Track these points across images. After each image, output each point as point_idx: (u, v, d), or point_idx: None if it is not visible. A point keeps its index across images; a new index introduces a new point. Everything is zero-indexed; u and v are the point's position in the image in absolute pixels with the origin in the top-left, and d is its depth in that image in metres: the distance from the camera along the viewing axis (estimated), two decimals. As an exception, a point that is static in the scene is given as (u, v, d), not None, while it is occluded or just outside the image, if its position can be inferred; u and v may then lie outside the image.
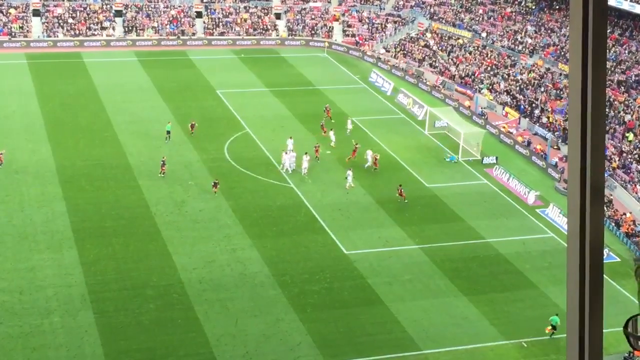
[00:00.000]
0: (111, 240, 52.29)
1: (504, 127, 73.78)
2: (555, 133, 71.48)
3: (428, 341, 44.24)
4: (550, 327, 44.80)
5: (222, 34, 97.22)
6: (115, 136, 67.93)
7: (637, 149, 66.02)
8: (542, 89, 79.36)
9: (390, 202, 58.76)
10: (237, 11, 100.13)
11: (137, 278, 48.39)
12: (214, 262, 50.51)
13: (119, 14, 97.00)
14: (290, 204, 58.32)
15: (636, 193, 61.08)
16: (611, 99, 72.51)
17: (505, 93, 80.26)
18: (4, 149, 62.31)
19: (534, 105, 76.66)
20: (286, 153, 63.48)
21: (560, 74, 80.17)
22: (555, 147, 69.52)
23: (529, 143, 70.97)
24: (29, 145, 65.36)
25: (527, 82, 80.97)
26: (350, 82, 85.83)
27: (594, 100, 3.58)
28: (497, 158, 67.67)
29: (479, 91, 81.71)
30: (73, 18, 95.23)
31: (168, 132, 67.41)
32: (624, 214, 58.75)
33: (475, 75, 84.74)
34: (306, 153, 62.96)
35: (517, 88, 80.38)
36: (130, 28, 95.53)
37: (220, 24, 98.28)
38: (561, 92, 77.61)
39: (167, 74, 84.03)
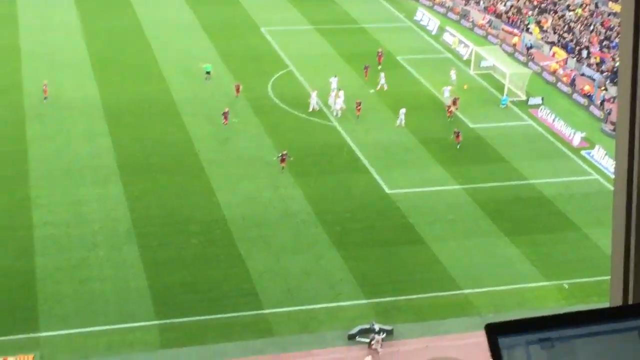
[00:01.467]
0: (156, 176, 52.85)
1: (550, 67, 72.73)
2: (603, 74, 70.32)
3: (468, 281, 44.39)
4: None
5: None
6: (160, 73, 68.17)
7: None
8: (592, 28, 77.89)
9: (434, 142, 58.50)
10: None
11: (180, 214, 48.99)
12: (256, 200, 50.89)
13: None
14: (334, 143, 58.33)
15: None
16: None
17: (553, 32, 78.91)
18: (47, 80, 62.73)
19: (582, 45, 75.34)
20: (332, 92, 63.42)
21: (610, 14, 78.54)
22: (603, 88, 68.43)
23: (575, 83, 69.96)
24: (75, 81, 65.89)
25: (576, 20, 79.47)
26: (395, 20, 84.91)
27: None
28: (542, 99, 66.87)
29: (526, 30, 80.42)
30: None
31: (208, 73, 66.69)
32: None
33: (523, 12, 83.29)
34: (340, 90, 62.92)
35: (566, 27, 78.96)
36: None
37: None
38: (610, 32, 76.14)
39: (212, 10, 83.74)
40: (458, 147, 57.69)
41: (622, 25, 3.58)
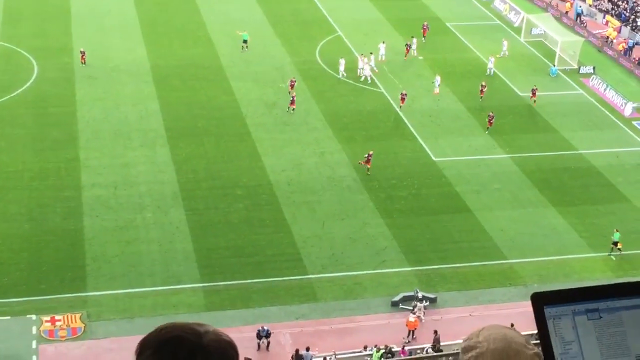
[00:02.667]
0: (202, 139, 53.09)
1: (603, 35, 71.46)
2: (658, 43, 68.97)
3: (514, 250, 44.12)
4: (613, 244, 44.05)
5: None
6: (208, 37, 68.24)
7: None
8: (646, -3, 76.32)
9: (482, 110, 57.93)
10: None
11: (227, 178, 49.22)
12: (302, 165, 50.93)
13: None
14: (380, 109, 58.06)
15: None
16: None
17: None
18: (83, 47, 62.76)
19: (636, 12, 73.85)
20: (380, 59, 63.15)
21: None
22: (657, 57, 67.16)
23: (629, 52, 68.71)
24: (125, 44, 66.20)
25: (631, -11, 77.90)
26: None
27: None
28: (594, 68, 65.81)
29: (579, -2, 79.04)
30: None
31: (245, 42, 65.62)
32: None
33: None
34: (371, 53, 62.71)
35: (620, -5, 77.43)
36: None
37: None
38: (666, 1, 74.56)
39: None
40: (487, 132, 55.32)
41: None
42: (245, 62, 63.76)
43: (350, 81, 61.57)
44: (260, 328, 37.49)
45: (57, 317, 38.21)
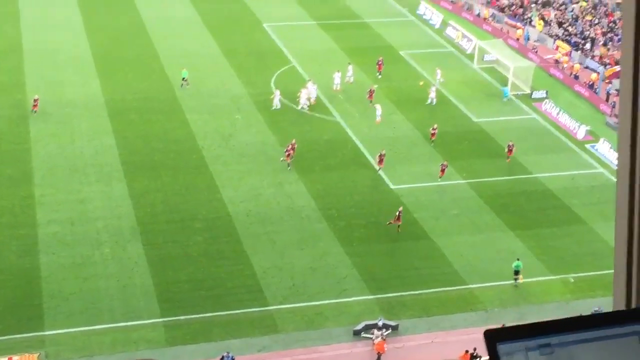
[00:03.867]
0: (159, 173, 52.81)
1: (554, 60, 72.52)
2: (607, 66, 70.13)
3: (474, 275, 44.31)
4: (515, 274, 43.79)
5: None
6: (162, 69, 68.09)
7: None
8: (596, 21, 77.67)
9: (438, 137, 58.32)
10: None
11: (185, 211, 48.95)
12: (261, 196, 50.84)
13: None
14: (337, 139, 58.24)
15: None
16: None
17: (557, 25, 78.69)
18: (38, 95, 61.00)
19: (586, 37, 75.13)
20: (336, 88, 63.69)
21: (614, 6, 78.34)
22: (607, 80, 68.26)
23: (579, 76, 69.77)
24: (78, 79, 65.82)
25: (579, 13, 79.24)
26: (398, 14, 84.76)
27: None
28: (547, 92, 66.72)
29: (529, 23, 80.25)
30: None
31: (184, 79, 64.43)
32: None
33: (525, 3, 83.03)
34: (309, 79, 63.99)
35: (569, 20, 78.72)
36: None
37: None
38: (614, 25, 75.94)
39: (214, 7, 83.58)
40: (439, 179, 53.56)
41: (623, 17, 3.52)
42: (201, 94, 63.69)
43: (307, 111, 61.74)
44: (225, 354, 37.24)
45: (14, 358, 37.51)
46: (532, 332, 2.79)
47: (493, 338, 2.79)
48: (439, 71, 67.75)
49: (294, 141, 54.07)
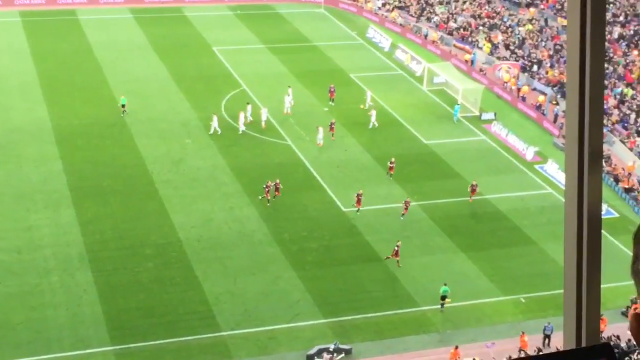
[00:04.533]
0: (109, 199, 52.21)
1: (502, 83, 73.36)
2: (554, 88, 71.12)
3: (426, 297, 44.36)
4: (442, 299, 43.66)
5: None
6: (111, 95, 67.49)
7: (636, 101, 65.87)
8: (543, 44, 78.80)
9: (388, 159, 58.53)
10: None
11: (135, 237, 48.40)
12: (212, 221, 50.49)
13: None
14: (288, 162, 58.17)
15: (635, 146, 60.94)
16: (610, 54, 72.10)
17: (504, 47, 79.67)
18: None
19: (533, 60, 76.16)
20: (286, 112, 63.74)
21: (559, 29, 79.58)
22: (554, 102, 69.17)
23: (526, 98, 70.62)
24: (25, 105, 64.96)
25: (526, 35, 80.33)
26: (347, 38, 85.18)
27: (593, 60, 3.48)
28: (495, 114, 67.42)
29: (477, 46, 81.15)
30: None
31: (123, 106, 63.54)
32: (623, 168, 58.64)
33: (472, 26, 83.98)
34: (248, 103, 63.98)
35: (516, 42, 79.76)
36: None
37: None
38: (560, 47, 77.11)
39: (163, 31, 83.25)
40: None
41: (568, 40, 3.60)
42: (150, 119, 63.22)
43: (257, 134, 61.59)
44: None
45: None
46: None
47: None
48: (369, 93, 67.69)
49: (277, 181, 52.70)
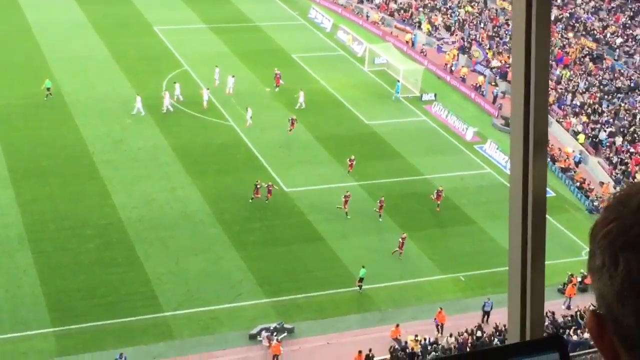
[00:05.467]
0: (48, 179, 51.62)
1: (442, 64, 73.96)
2: (493, 69, 71.94)
3: (367, 276, 44.70)
4: (359, 280, 43.84)
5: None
6: (50, 74, 66.48)
7: (572, 82, 67.05)
8: (482, 25, 79.59)
9: (330, 139, 58.81)
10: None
11: (75, 217, 47.98)
12: (153, 201, 50.26)
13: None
14: (230, 142, 58.06)
15: (570, 127, 62.07)
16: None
17: (444, 29, 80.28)
18: None
19: (472, 41, 76.90)
20: (228, 92, 63.50)
21: (498, 11, 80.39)
22: (493, 83, 70.03)
23: (466, 79, 71.37)
24: (-39, 84, 63.74)
25: (465, 17, 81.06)
26: (289, 18, 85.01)
27: (538, 45, 3.52)
28: (435, 95, 68.01)
29: (418, 27, 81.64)
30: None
31: (48, 89, 61.95)
32: (559, 149, 59.72)
33: (413, 8, 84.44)
34: (175, 82, 63.62)
35: (456, 24, 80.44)
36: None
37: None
38: (499, 29, 77.94)
39: (103, 10, 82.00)
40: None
41: (513, 25, 3.60)
42: (90, 98, 62.50)
43: (198, 114, 61.34)
44: (117, 357, 36.79)
45: None
46: None
47: None
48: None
49: (270, 183, 51.22)
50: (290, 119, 59.26)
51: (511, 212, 3.61)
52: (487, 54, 72.23)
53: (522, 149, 3.55)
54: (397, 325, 40.40)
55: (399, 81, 67.83)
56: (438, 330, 40.90)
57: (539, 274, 3.58)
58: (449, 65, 73.63)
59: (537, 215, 3.56)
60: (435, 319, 41.02)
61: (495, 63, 72.34)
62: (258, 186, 50.35)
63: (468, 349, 37.37)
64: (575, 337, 38.27)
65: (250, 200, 50.31)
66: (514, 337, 3.56)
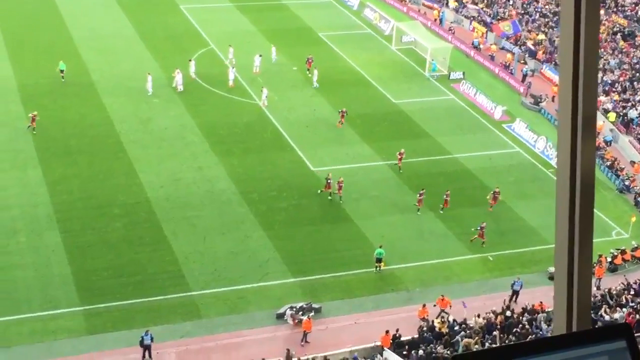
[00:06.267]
0: (76, 158, 51.78)
1: (471, 42, 73.32)
2: (522, 47, 71.21)
3: (395, 256, 44.60)
4: (377, 261, 43.50)
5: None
6: (77, 52, 66.66)
7: (602, 60, 66.25)
8: (511, 2, 78.75)
9: (357, 118, 58.54)
10: None
11: (103, 197, 48.10)
12: (180, 180, 50.29)
13: None
14: (257, 121, 57.94)
15: (600, 105, 61.35)
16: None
17: (472, 6, 79.48)
18: (36, 112, 59.63)
19: (499, 19, 76.11)
20: (255, 70, 63.24)
21: (528, -12, 79.54)
22: (522, 61, 69.34)
23: (495, 57, 70.69)
24: (-11, 63, 64.00)
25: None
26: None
27: (588, 24, 3.40)
28: (464, 73, 67.46)
29: (446, 4, 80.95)
30: None
31: (62, 71, 61.46)
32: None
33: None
34: (190, 60, 63.32)
35: (485, 1, 79.65)
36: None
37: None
38: (528, 5, 77.09)
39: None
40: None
41: (562, 5, 3.50)
42: (117, 77, 62.58)
43: (225, 94, 61.23)
44: (144, 334, 36.85)
45: None
46: (500, 356, 2.68)
47: None
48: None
49: (341, 179, 49.37)
50: (341, 111, 57.58)
51: (558, 195, 3.54)
52: (519, 28, 71.20)
53: (570, 129, 3.49)
54: (424, 305, 40.14)
55: (433, 61, 67.21)
56: (438, 316, 39.93)
57: (587, 260, 3.54)
58: (478, 43, 72.89)
59: (585, 198, 3.52)
60: (435, 304, 40.24)
61: (524, 40, 71.54)
62: (329, 180, 49.19)
63: (497, 330, 37.15)
64: (607, 317, 37.93)
65: (319, 192, 49.31)
66: (560, 322, 3.51)
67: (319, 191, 49.24)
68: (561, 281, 3.52)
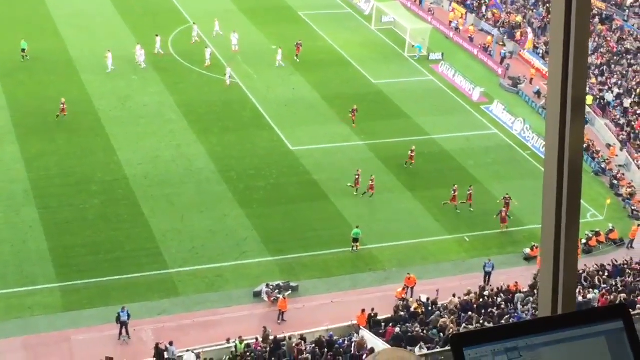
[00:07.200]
0: (54, 135, 51.54)
1: (450, 23, 73.40)
2: (501, 29, 71.39)
3: (372, 236, 44.82)
4: (353, 241, 43.57)
5: None
6: (55, 29, 66.16)
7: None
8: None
9: (336, 99, 58.57)
10: None
11: (81, 174, 47.98)
12: (159, 158, 50.22)
13: None
14: (236, 100, 57.86)
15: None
16: None
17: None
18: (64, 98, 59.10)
19: (480, 0, 76.23)
20: (234, 49, 62.98)
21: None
22: (501, 43, 69.52)
23: (473, 39, 70.84)
24: (-34, 38, 63.43)
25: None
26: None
27: (579, 3, 3.43)
28: (443, 54, 67.55)
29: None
30: None
31: (23, 50, 60.34)
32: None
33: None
34: (157, 35, 62.90)
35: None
36: None
37: None
38: (508, -12, 77.21)
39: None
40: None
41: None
42: (96, 54, 62.16)
43: (204, 72, 61.06)
44: (120, 310, 36.82)
45: None
46: (499, 336, 2.75)
47: (460, 342, 2.76)
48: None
49: (372, 176, 48.39)
50: (352, 110, 55.88)
51: (546, 176, 3.55)
52: (502, 7, 71.17)
53: (559, 110, 3.48)
54: (405, 288, 40.46)
55: (419, 44, 67.06)
56: (407, 294, 40.42)
57: (573, 241, 3.54)
58: (457, 25, 72.98)
59: (572, 180, 3.51)
60: (405, 284, 40.69)
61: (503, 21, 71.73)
62: (357, 176, 48.11)
63: (472, 310, 37.50)
64: (580, 298, 38.36)
65: (349, 185, 48.44)
66: (545, 304, 3.54)
67: (348, 184, 48.40)
68: (547, 262, 3.54)
